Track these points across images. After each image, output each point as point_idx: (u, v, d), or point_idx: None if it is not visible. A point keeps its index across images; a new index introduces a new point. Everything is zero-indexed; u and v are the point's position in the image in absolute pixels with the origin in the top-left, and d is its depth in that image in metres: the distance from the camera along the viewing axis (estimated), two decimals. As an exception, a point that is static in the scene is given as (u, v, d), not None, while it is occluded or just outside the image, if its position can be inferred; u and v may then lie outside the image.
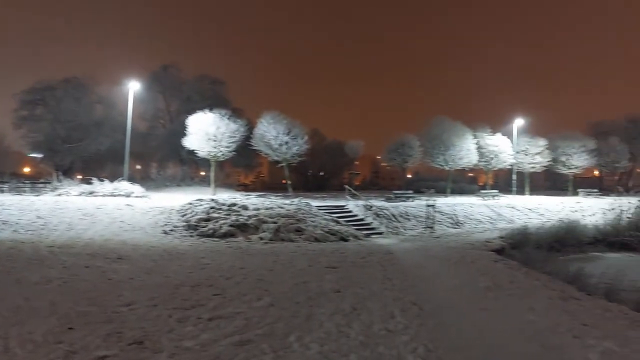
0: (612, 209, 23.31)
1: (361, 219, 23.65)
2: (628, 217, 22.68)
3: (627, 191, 44.26)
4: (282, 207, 21.81)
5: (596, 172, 57.46)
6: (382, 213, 24.76)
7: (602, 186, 51.51)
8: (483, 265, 13.16)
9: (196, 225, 18.69)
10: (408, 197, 31.56)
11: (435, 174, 49.90)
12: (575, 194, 41.28)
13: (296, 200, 25.24)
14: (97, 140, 37.96)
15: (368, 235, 21.05)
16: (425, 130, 39.50)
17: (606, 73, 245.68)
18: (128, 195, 25.90)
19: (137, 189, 27.21)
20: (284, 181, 35.42)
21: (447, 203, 29.37)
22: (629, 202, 23.18)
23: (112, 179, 28.73)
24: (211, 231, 18.18)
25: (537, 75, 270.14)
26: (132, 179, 30.58)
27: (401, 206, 26.92)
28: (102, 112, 40.77)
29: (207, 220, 19.12)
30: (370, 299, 8.62)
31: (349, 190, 30.32)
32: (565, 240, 20.69)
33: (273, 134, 30.55)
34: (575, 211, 29.95)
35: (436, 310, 8.02)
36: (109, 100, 40.43)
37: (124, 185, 27.17)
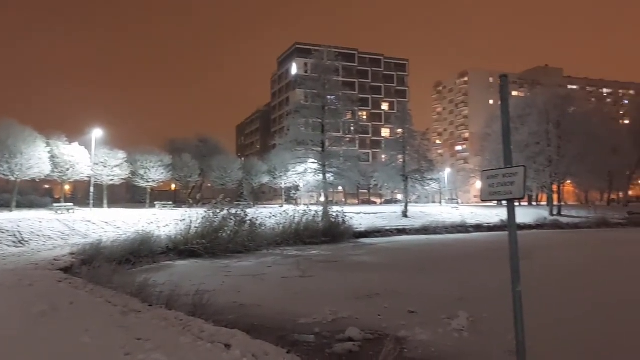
0: (183, 220, 25.08)
1: None
2: (196, 227, 24.89)
3: (197, 203, 49.58)
4: None
5: (173, 186, 62.22)
6: None
7: (177, 199, 55.99)
8: (44, 287, 11.64)
9: None
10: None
11: (0, 185, 43.06)
12: (153, 206, 43.26)
13: None
14: None
15: None
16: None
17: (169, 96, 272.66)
18: None
19: None
20: None
21: (10, 219, 25.45)
22: (197, 213, 25.51)
23: None
24: None
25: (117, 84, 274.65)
26: None
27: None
28: None
29: None
30: None
31: None
32: (140, 251, 20.86)
33: None
34: (152, 223, 31.00)
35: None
36: None
37: None
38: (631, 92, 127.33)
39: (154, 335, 6.92)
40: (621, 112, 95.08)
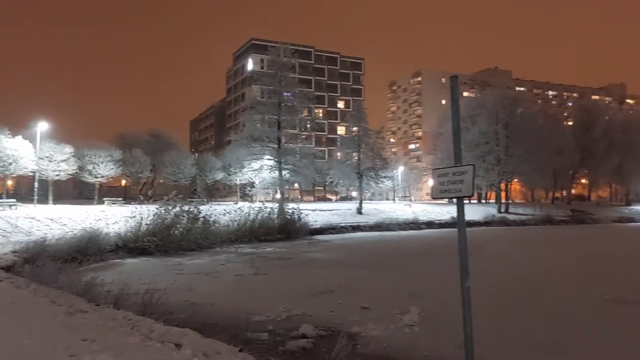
0: (134, 217, 24.44)
1: None
2: (147, 224, 24.29)
3: (148, 200, 48.36)
4: None
5: (123, 182, 60.40)
6: None
7: (127, 195, 54.37)
8: (-17, 288, 11.05)
9: None
10: None
11: None
12: (101, 202, 41.83)
13: None
14: None
15: None
16: None
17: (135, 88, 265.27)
18: None
19: None
20: None
21: (-55, 215, 24.04)
22: (149, 210, 24.91)
23: None
24: None
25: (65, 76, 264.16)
26: None
27: None
28: None
29: None
30: None
31: None
32: (87, 249, 20.26)
33: None
34: (100, 220, 30.02)
35: None
36: None
37: None
38: (574, 94, 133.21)
39: (100, 336, 6.69)
40: (565, 114, 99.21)
